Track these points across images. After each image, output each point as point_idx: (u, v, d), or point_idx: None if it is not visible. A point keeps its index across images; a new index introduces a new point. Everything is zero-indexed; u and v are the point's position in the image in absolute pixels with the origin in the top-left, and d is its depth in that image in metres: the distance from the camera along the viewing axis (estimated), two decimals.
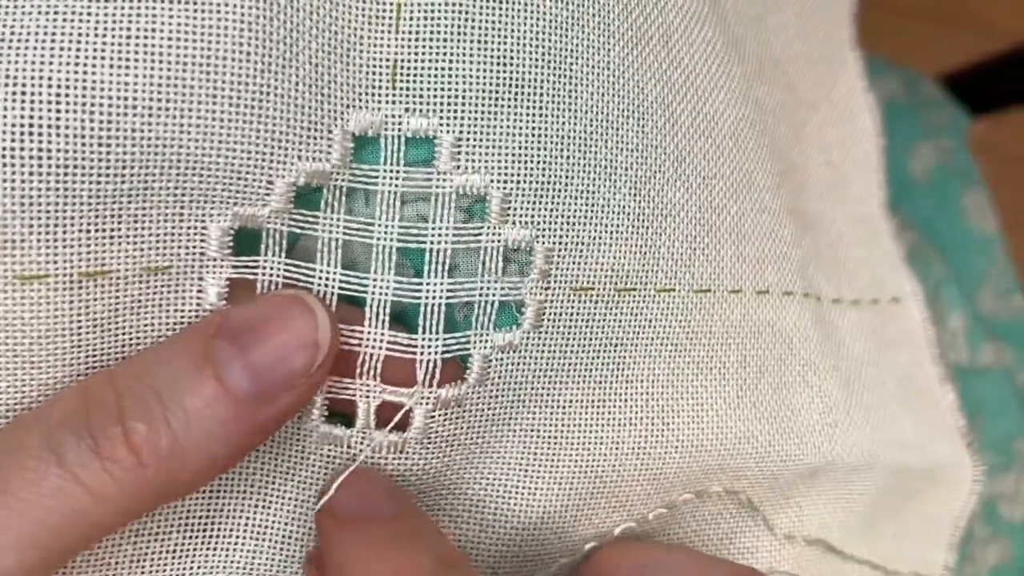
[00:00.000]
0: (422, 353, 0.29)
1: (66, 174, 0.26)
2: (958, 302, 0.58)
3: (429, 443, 0.30)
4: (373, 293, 0.29)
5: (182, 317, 0.28)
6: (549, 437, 0.32)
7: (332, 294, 0.29)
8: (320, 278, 0.29)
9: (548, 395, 0.32)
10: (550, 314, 0.31)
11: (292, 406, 0.27)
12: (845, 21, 0.47)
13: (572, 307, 0.31)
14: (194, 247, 0.28)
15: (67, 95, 0.26)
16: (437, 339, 0.29)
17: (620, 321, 0.32)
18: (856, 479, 0.39)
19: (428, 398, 0.30)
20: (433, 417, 0.30)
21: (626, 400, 0.33)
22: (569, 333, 0.31)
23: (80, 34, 0.26)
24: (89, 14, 0.26)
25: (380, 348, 0.29)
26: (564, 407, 0.32)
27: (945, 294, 0.58)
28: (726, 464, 0.35)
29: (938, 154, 0.67)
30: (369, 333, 0.29)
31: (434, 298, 0.29)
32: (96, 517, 0.25)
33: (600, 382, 0.33)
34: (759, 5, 0.41)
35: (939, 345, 0.54)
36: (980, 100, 0.75)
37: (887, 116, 0.65)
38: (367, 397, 0.30)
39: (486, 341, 0.30)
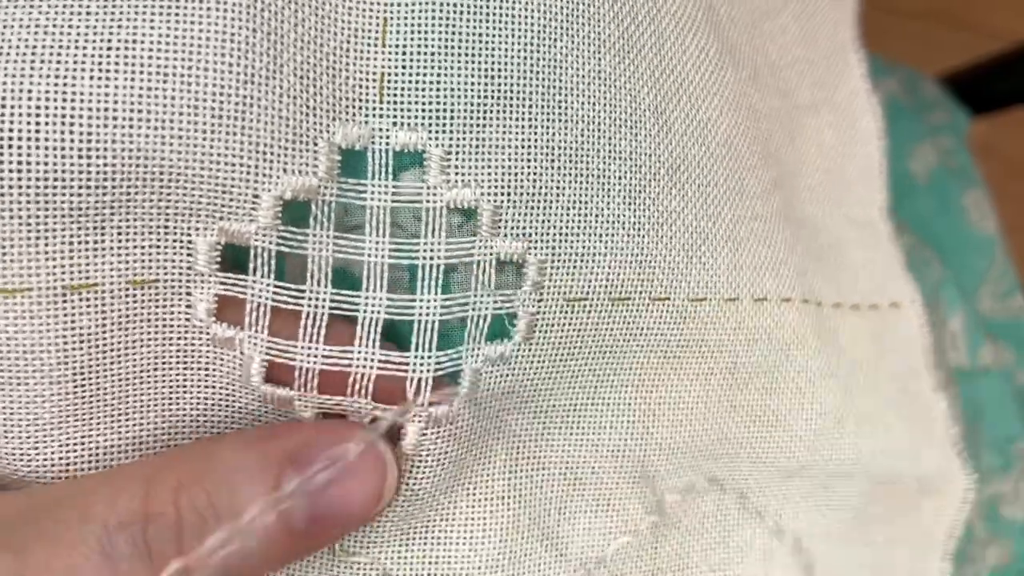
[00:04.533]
0: (414, 371, 0.29)
1: (47, 186, 0.25)
2: (958, 303, 0.57)
3: (420, 460, 0.30)
4: (365, 311, 0.29)
5: (170, 332, 0.28)
6: (531, 442, 0.32)
7: (323, 314, 0.28)
8: (310, 298, 0.28)
9: (535, 403, 0.32)
10: (542, 325, 0.30)
11: (339, 538, 0.29)
12: (847, 22, 0.47)
13: (565, 318, 0.31)
14: (181, 261, 0.27)
15: (47, 107, 0.25)
16: (430, 356, 0.29)
17: (613, 331, 0.32)
18: (837, 486, 0.39)
19: (420, 416, 0.29)
20: (425, 434, 0.29)
21: (609, 404, 0.33)
22: (560, 343, 0.31)
23: (61, 46, 0.25)
24: (70, 26, 0.25)
25: (372, 368, 0.29)
26: (548, 412, 0.32)
27: (945, 295, 0.57)
28: (698, 465, 0.35)
29: (938, 154, 0.67)
30: (361, 352, 0.28)
31: (427, 315, 0.29)
32: None
33: (586, 388, 0.32)
34: (755, 10, 0.40)
35: (939, 346, 0.54)
36: (980, 100, 0.75)
37: (887, 116, 0.65)
38: (358, 415, 0.29)
39: (478, 355, 0.30)
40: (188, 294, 0.28)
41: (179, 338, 0.28)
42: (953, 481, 0.43)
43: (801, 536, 0.39)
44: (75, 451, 0.28)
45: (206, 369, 0.29)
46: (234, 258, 0.28)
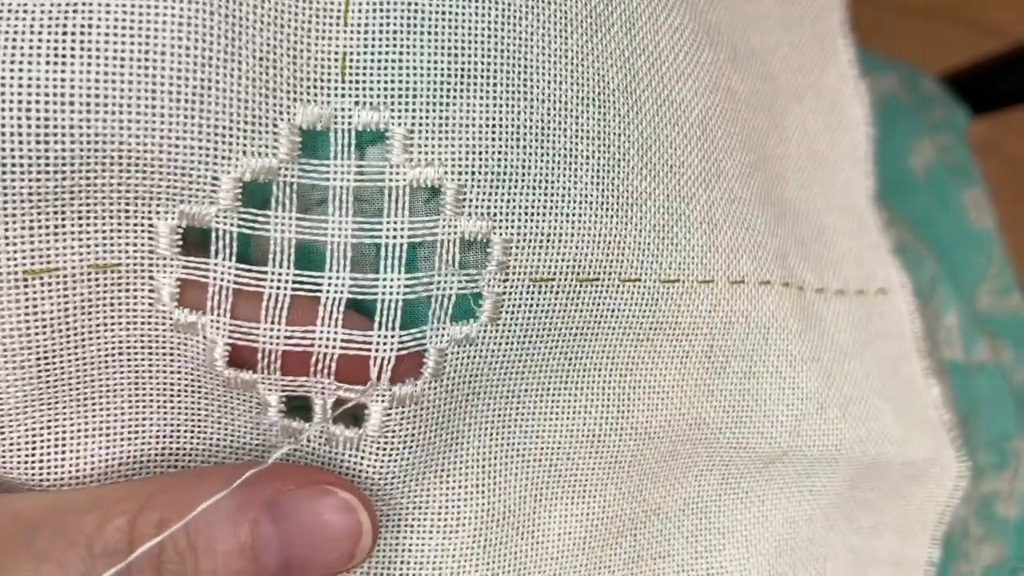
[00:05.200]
0: (377, 350, 0.29)
1: (4, 172, 0.25)
2: (953, 299, 0.57)
3: (386, 443, 0.30)
4: (328, 291, 0.28)
5: (134, 316, 0.28)
6: (505, 428, 0.32)
7: (285, 296, 0.28)
8: (272, 279, 0.28)
9: (505, 386, 0.31)
10: (508, 306, 0.30)
11: None
12: (834, 7, 0.47)
13: (532, 298, 0.30)
14: (142, 245, 0.27)
15: (3, 93, 0.25)
16: (393, 336, 0.29)
17: (582, 311, 0.31)
18: (819, 471, 0.38)
19: (383, 395, 0.29)
20: (390, 415, 0.29)
21: (582, 388, 0.33)
22: (528, 324, 0.31)
23: (16, 32, 0.25)
24: (25, 12, 0.26)
25: (334, 348, 0.28)
26: (520, 396, 0.32)
27: (941, 291, 0.57)
28: (676, 450, 0.35)
29: (937, 151, 0.67)
30: (322, 332, 0.28)
31: (391, 294, 0.29)
32: None
33: (557, 371, 0.32)
34: None
35: (934, 342, 0.53)
36: (981, 100, 0.75)
37: (887, 113, 0.65)
38: (322, 394, 0.29)
39: (443, 335, 0.30)
40: (151, 278, 0.28)
41: (143, 323, 0.28)
42: (945, 467, 0.42)
43: (784, 521, 0.38)
44: (41, 435, 0.28)
45: (171, 354, 0.29)
46: (198, 240, 0.28)
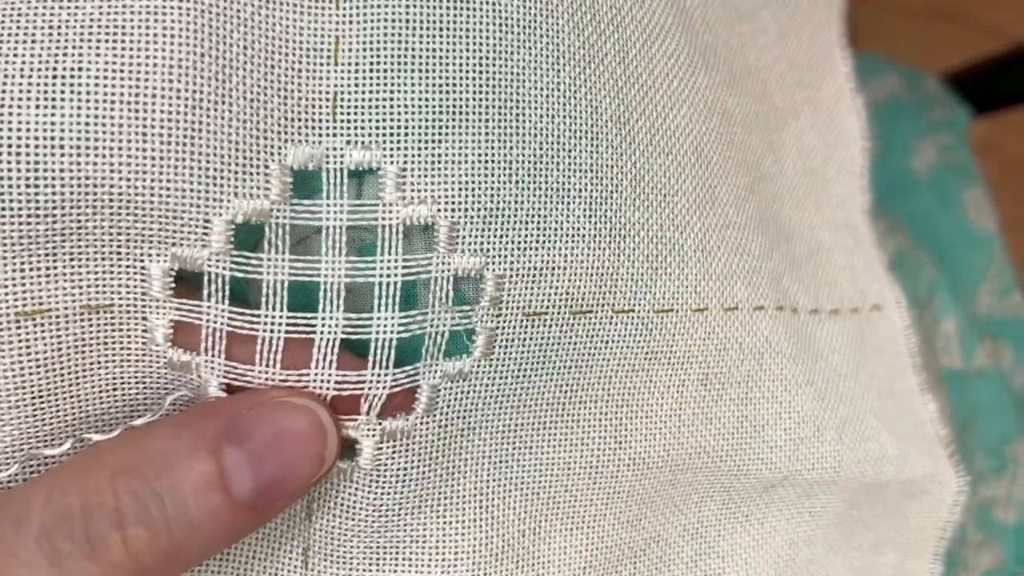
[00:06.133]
0: (370, 388, 0.29)
1: None
2: (951, 305, 0.57)
3: (380, 477, 0.30)
4: (322, 332, 0.28)
5: (128, 354, 0.28)
6: (501, 463, 0.32)
7: (278, 339, 0.28)
8: (266, 322, 0.28)
9: (500, 421, 0.32)
10: (502, 341, 0.30)
11: (287, 507, 0.28)
12: (832, 21, 0.46)
13: (525, 333, 0.31)
14: (135, 286, 0.28)
15: None
16: (387, 374, 0.29)
17: (576, 344, 0.32)
18: (819, 493, 0.39)
19: (374, 430, 0.29)
20: (381, 448, 0.30)
21: (578, 421, 0.33)
22: (522, 359, 0.31)
23: (6, 75, 0.25)
24: (15, 55, 0.26)
25: (328, 389, 0.29)
26: (516, 431, 0.32)
27: (939, 298, 0.57)
28: (677, 479, 0.35)
29: (938, 152, 0.67)
30: (317, 375, 0.28)
31: (385, 333, 0.29)
32: None
33: (553, 404, 0.32)
34: (731, 11, 0.40)
35: (932, 349, 0.53)
36: (982, 100, 0.74)
37: (888, 114, 0.64)
38: None
39: (436, 371, 0.30)
40: (144, 318, 0.28)
41: (137, 360, 0.28)
42: (944, 483, 0.42)
43: (785, 543, 0.38)
44: (38, 472, 0.28)
45: (165, 389, 0.29)
46: (192, 279, 0.28)
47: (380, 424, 0.29)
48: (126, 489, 0.25)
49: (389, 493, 0.30)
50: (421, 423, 0.30)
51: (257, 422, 0.27)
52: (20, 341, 0.27)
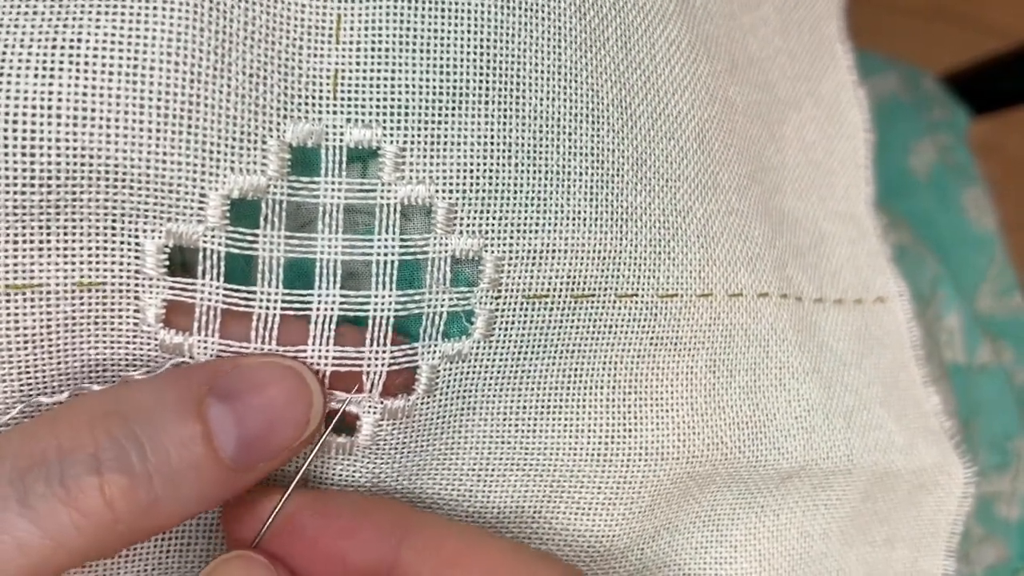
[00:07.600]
0: (369, 366, 0.28)
1: None
2: (955, 301, 0.57)
3: (378, 451, 0.30)
4: (319, 310, 0.28)
5: (119, 335, 0.28)
6: (503, 443, 0.32)
7: (274, 316, 0.28)
8: (261, 299, 0.28)
9: (501, 402, 0.31)
10: (501, 323, 0.30)
11: (269, 471, 0.27)
12: (832, 14, 0.46)
13: (525, 315, 0.30)
14: (129, 264, 0.27)
15: None
16: (385, 352, 0.28)
17: (578, 328, 0.31)
18: (834, 484, 0.38)
19: (376, 407, 0.29)
20: (381, 426, 0.29)
21: (584, 407, 0.32)
22: (522, 341, 0.31)
23: (6, 45, 0.25)
24: (16, 26, 0.25)
25: (326, 366, 0.28)
26: (518, 413, 0.32)
27: (942, 293, 0.57)
28: (694, 471, 0.34)
29: (938, 151, 0.67)
30: (314, 351, 0.28)
31: (382, 311, 0.28)
32: (54, 563, 0.23)
33: (556, 388, 0.32)
34: (733, 2, 0.40)
35: (936, 344, 0.53)
36: (982, 100, 0.74)
37: (888, 113, 0.64)
38: None
39: (435, 352, 0.29)
40: (136, 298, 0.27)
41: (128, 342, 0.28)
42: (952, 474, 0.42)
43: (800, 535, 0.38)
44: None
45: (154, 371, 0.28)
46: (184, 259, 0.28)
47: (382, 403, 0.29)
48: (106, 434, 0.24)
49: (388, 463, 0.30)
50: (422, 403, 0.30)
51: (242, 380, 0.26)
52: (9, 315, 0.26)
